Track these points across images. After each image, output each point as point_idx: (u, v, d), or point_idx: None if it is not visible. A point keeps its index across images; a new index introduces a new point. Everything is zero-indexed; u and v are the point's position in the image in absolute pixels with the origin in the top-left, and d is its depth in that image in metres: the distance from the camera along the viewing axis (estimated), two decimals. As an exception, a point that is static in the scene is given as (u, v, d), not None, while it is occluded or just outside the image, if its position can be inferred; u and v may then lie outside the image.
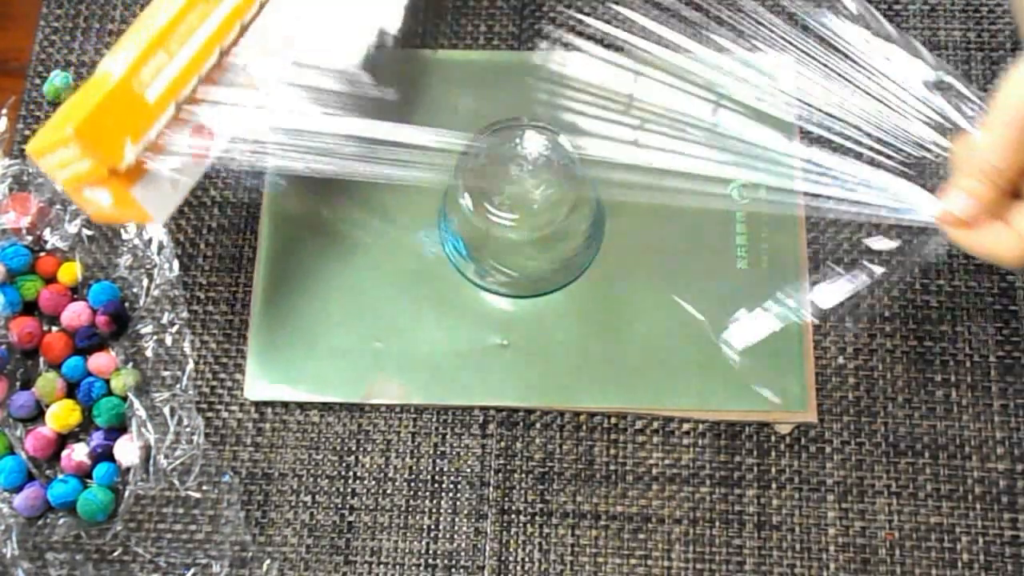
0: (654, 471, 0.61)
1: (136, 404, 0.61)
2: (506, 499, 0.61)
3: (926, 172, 0.61)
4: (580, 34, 0.70)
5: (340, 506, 0.62)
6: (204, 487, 0.61)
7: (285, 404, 0.63)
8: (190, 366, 0.62)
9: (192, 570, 0.60)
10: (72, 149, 0.51)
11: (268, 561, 0.60)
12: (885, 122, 0.62)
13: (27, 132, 0.70)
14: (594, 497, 0.61)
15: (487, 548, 0.60)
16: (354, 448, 0.63)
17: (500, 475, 0.62)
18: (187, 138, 0.54)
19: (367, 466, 0.62)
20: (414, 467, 0.62)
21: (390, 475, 0.62)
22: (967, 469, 0.61)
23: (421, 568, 0.60)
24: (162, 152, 0.53)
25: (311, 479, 0.62)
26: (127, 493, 0.61)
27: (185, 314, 0.64)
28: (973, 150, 0.49)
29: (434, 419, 0.63)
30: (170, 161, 0.54)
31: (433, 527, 0.61)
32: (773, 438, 0.62)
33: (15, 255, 0.65)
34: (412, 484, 0.62)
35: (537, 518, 0.61)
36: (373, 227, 0.66)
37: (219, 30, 0.54)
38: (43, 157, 0.54)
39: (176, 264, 0.64)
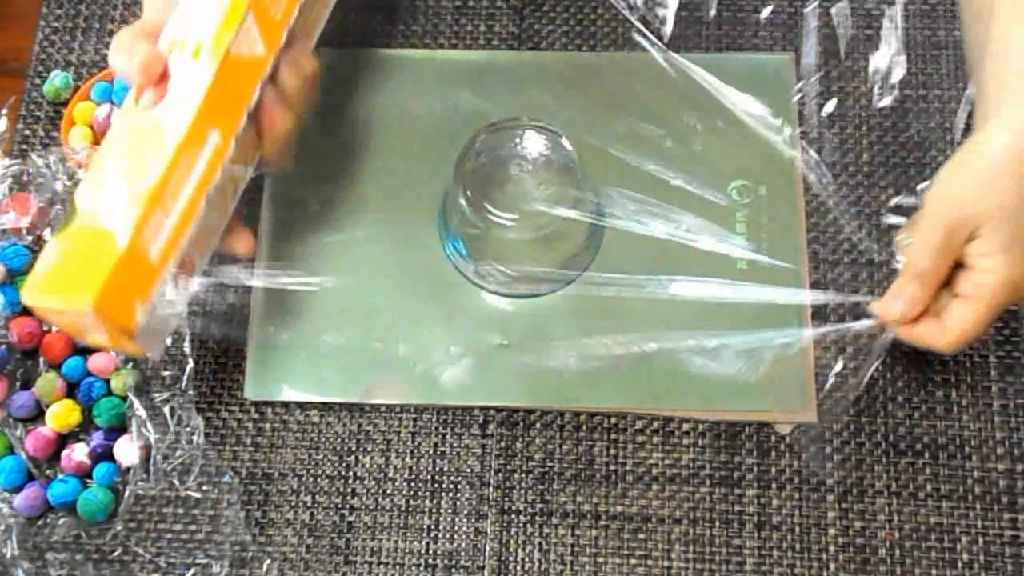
0: (654, 471, 0.61)
1: (136, 404, 0.61)
2: (506, 499, 0.61)
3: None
4: (581, 34, 0.71)
5: (340, 506, 0.61)
6: (204, 487, 0.61)
7: (285, 404, 0.63)
8: (190, 366, 0.62)
9: (192, 570, 0.60)
10: (87, 318, 0.51)
11: (268, 561, 0.60)
12: None
13: (27, 132, 0.70)
14: (594, 497, 0.61)
15: (487, 548, 0.60)
16: (354, 448, 0.63)
17: (500, 475, 0.62)
18: (176, 280, 0.55)
19: (367, 466, 0.62)
20: (414, 467, 0.62)
21: (390, 475, 0.62)
22: (967, 469, 0.61)
23: (421, 568, 0.60)
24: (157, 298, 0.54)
25: (311, 479, 0.62)
26: (127, 493, 0.61)
27: (185, 314, 0.64)
28: (907, 253, 0.55)
29: (434, 419, 0.63)
30: (165, 306, 0.54)
31: (433, 527, 0.61)
32: (773, 438, 0.62)
33: (15, 255, 0.65)
34: (412, 484, 0.62)
35: (537, 518, 0.61)
36: (373, 227, 0.66)
37: (204, 176, 0.54)
38: (43, 307, 0.53)
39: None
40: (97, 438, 0.62)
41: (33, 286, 0.53)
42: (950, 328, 0.54)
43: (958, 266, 0.55)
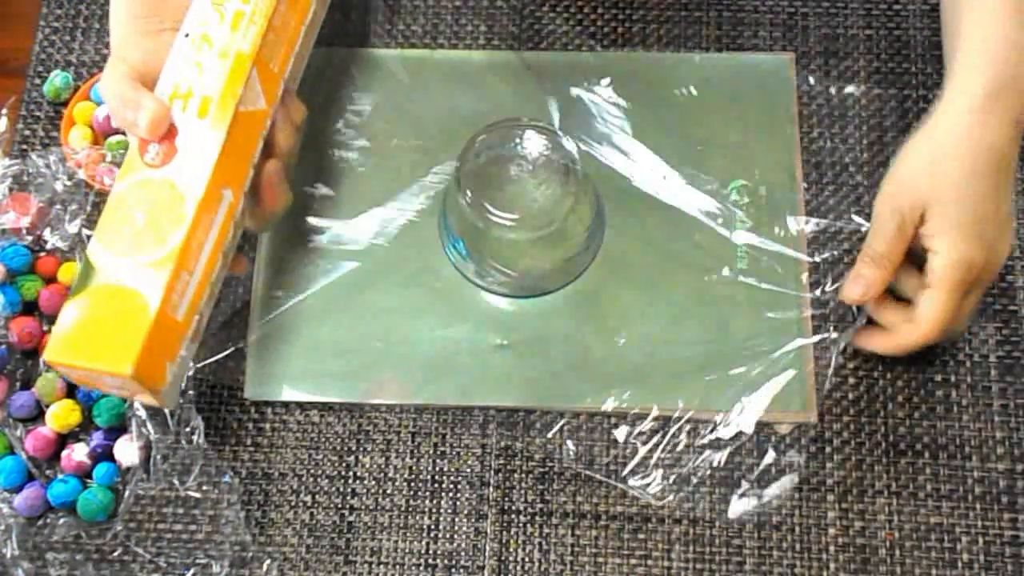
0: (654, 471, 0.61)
1: (136, 404, 0.61)
2: (506, 499, 0.61)
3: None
4: (580, 34, 0.71)
5: (340, 506, 0.61)
6: (204, 487, 0.61)
7: (285, 404, 0.63)
8: (190, 366, 0.62)
9: (192, 570, 0.60)
10: (123, 381, 0.52)
11: (268, 561, 0.60)
12: None
13: (27, 132, 0.70)
14: (594, 497, 0.61)
15: (487, 548, 0.60)
16: (354, 448, 0.63)
17: (500, 475, 0.62)
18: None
19: (367, 466, 0.62)
20: (414, 467, 0.62)
21: (390, 475, 0.62)
22: (967, 469, 0.61)
23: (421, 568, 0.60)
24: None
25: (311, 479, 0.62)
26: (127, 493, 0.61)
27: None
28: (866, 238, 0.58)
29: (434, 419, 0.63)
30: (183, 360, 0.56)
31: (433, 527, 0.61)
32: (773, 438, 0.62)
33: (15, 255, 0.65)
34: (412, 484, 0.62)
35: (537, 518, 0.61)
36: (373, 227, 0.66)
37: (221, 233, 0.55)
38: (73, 365, 0.53)
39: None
40: (97, 438, 0.62)
41: (61, 346, 0.53)
42: (919, 319, 0.56)
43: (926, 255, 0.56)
